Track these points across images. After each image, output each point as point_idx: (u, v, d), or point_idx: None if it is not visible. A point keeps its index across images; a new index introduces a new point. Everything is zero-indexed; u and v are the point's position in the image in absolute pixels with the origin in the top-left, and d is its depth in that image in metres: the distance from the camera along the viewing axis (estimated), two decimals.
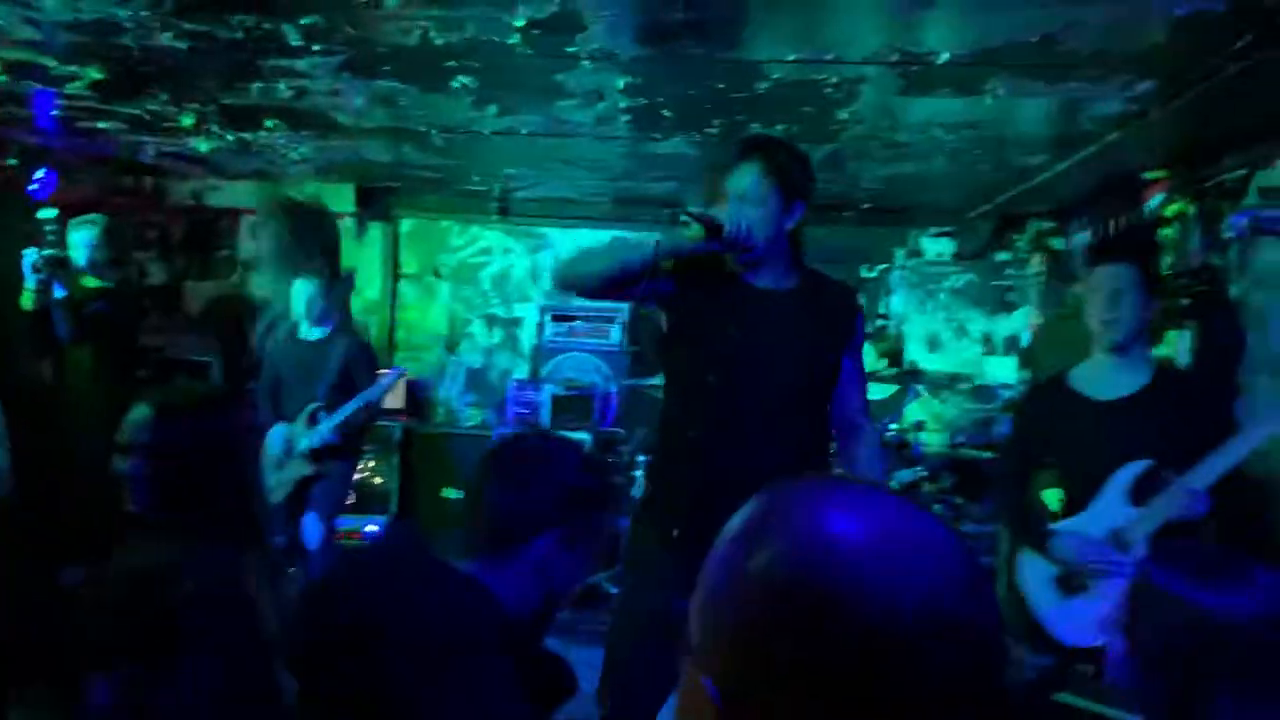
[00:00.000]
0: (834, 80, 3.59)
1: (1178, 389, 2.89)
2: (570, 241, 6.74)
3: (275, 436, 4.42)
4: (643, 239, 2.55)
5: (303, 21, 3.21)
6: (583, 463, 1.74)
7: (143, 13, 3.19)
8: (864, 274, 6.84)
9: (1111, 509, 2.79)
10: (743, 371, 2.51)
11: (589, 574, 1.80)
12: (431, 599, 1.54)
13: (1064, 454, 3.02)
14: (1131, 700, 1.49)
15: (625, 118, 4.27)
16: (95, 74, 3.94)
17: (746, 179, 2.48)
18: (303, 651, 1.55)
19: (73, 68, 3.87)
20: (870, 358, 5.60)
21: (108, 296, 4.82)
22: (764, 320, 2.53)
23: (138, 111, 4.60)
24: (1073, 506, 2.95)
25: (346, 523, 5.27)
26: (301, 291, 4.59)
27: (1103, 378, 2.94)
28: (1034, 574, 2.99)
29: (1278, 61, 3.00)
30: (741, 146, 2.58)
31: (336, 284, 4.57)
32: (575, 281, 2.61)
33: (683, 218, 2.46)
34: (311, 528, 4.37)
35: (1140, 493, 2.75)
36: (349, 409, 4.35)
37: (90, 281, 4.81)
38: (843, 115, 4.06)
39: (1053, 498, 3.55)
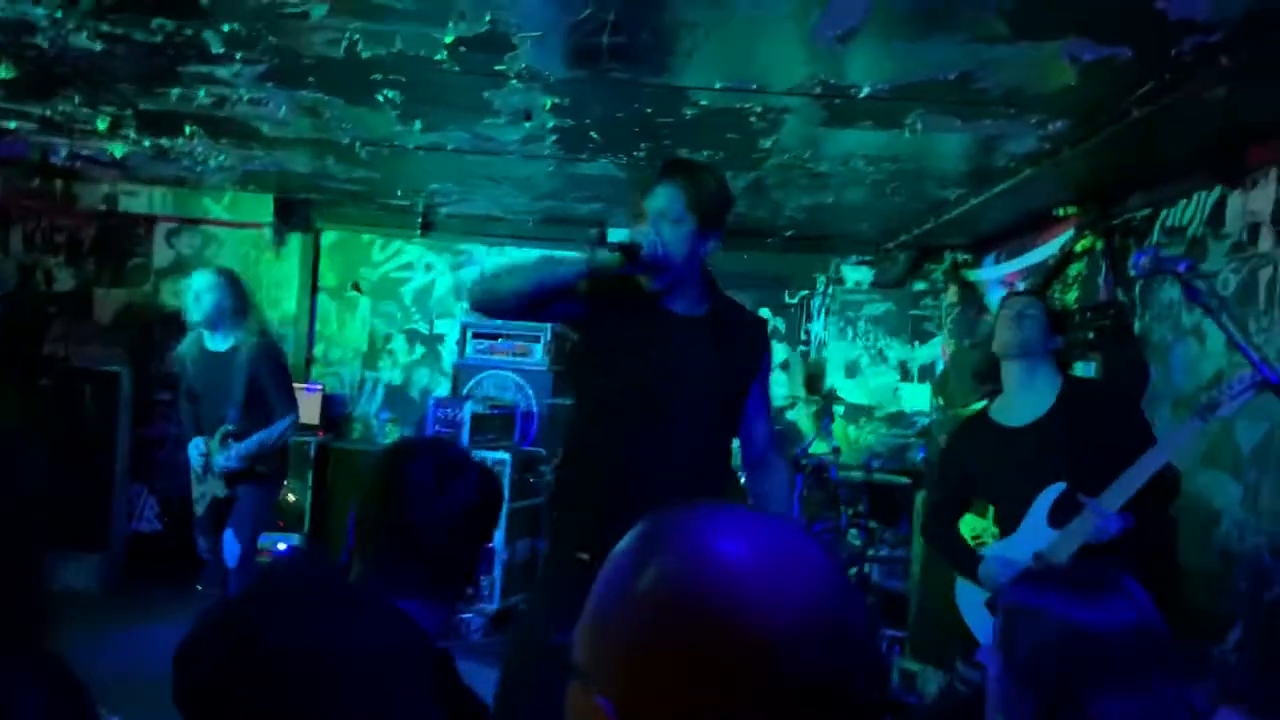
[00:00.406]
0: (759, 109, 3.65)
1: (1085, 404, 2.95)
2: (494, 259, 6.71)
3: (193, 449, 4.32)
4: (563, 258, 2.55)
5: (225, 28, 3.16)
6: (478, 477, 1.67)
7: (58, 13, 3.11)
8: (786, 300, 6.94)
9: (1034, 533, 2.86)
10: (654, 396, 2.51)
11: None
12: (355, 628, 1.48)
13: (987, 483, 3.12)
14: (1004, 713, 1.53)
15: (552, 138, 4.28)
16: (5, 72, 3.82)
17: (665, 199, 2.46)
18: (198, 685, 1.48)
19: None
20: (795, 382, 5.68)
21: (4, 302, 4.65)
22: (677, 345, 2.53)
23: (49, 112, 4.47)
24: (1006, 530, 3.01)
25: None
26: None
27: (1013, 404, 3.04)
28: (968, 599, 3.06)
29: (1179, 107, 3.14)
30: (663, 167, 2.57)
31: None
32: (491, 299, 2.56)
33: (589, 249, 2.46)
34: (229, 546, 4.29)
35: (1059, 515, 2.82)
36: (250, 443, 4.25)
37: None
38: (766, 144, 4.13)
39: (966, 527, 3.64)
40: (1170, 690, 1.45)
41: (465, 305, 6.64)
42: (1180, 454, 2.75)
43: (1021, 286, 5.55)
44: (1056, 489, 2.84)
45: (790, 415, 5.72)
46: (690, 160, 2.74)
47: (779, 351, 6.87)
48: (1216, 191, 3.86)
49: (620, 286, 2.54)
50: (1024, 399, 3.01)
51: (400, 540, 1.57)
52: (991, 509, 3.85)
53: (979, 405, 3.29)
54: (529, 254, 6.51)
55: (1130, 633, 1.45)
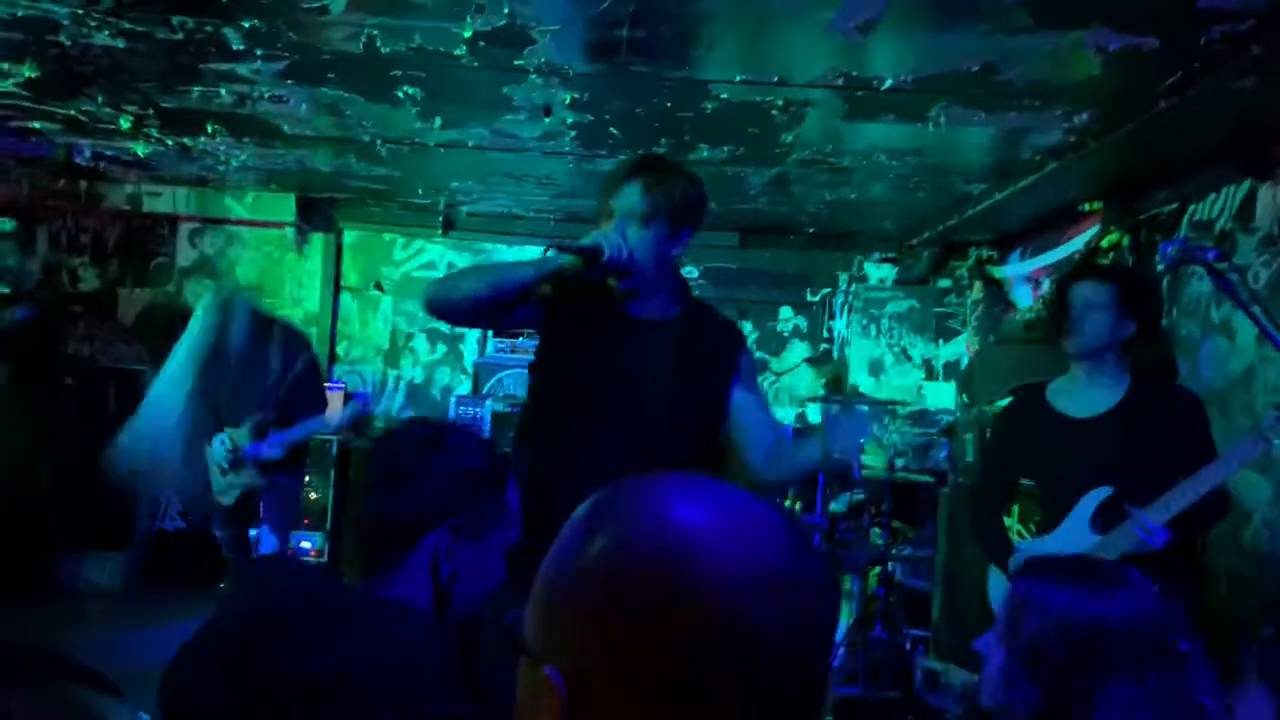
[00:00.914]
0: (780, 103, 3.62)
1: (1154, 405, 2.81)
2: (515, 257, 6.70)
3: (216, 442, 4.33)
4: (522, 260, 2.43)
5: (244, 25, 3.16)
6: (463, 444, 1.58)
7: (80, 10, 3.12)
8: (809, 297, 6.90)
9: (1075, 534, 2.75)
10: (615, 405, 2.38)
11: (503, 560, 1.63)
12: (360, 640, 1.40)
13: (1040, 470, 2.96)
14: (1005, 710, 1.52)
15: (572, 134, 4.27)
16: (29, 72, 3.84)
17: (632, 199, 2.32)
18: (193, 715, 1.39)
19: (5, 65, 3.78)
20: (811, 381, 5.65)
21: (30, 302, 4.69)
22: (638, 350, 2.40)
23: (73, 112, 4.50)
24: (1047, 523, 2.92)
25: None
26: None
27: (1077, 393, 2.88)
28: (999, 592, 2.98)
29: (1207, 98, 3.09)
30: (630, 165, 2.43)
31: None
32: (445, 303, 2.40)
33: (549, 253, 2.29)
34: (267, 540, 4.33)
35: (1103, 520, 2.73)
36: (299, 432, 4.28)
37: (2, 289, 4.67)
38: (788, 138, 4.10)
39: (1013, 522, 3.57)
40: (1175, 681, 1.43)
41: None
42: (1235, 471, 2.64)
43: (1047, 283, 5.49)
44: (1103, 492, 2.71)
45: (810, 415, 5.68)
46: (661, 158, 2.57)
47: (800, 349, 6.84)
48: (1245, 185, 3.80)
49: (584, 290, 2.41)
50: (1088, 390, 2.86)
51: (399, 527, 1.52)
52: (1016, 508, 3.79)
53: (1034, 383, 3.12)
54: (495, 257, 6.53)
55: (1136, 623, 1.45)
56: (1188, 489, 2.55)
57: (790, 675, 0.72)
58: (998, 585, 3.00)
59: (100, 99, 4.24)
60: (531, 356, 2.56)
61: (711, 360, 2.46)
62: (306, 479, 5.83)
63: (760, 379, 6.82)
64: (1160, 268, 3.96)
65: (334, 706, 1.34)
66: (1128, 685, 1.42)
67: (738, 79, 3.38)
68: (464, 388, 6.64)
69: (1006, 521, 3.73)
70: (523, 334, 6.02)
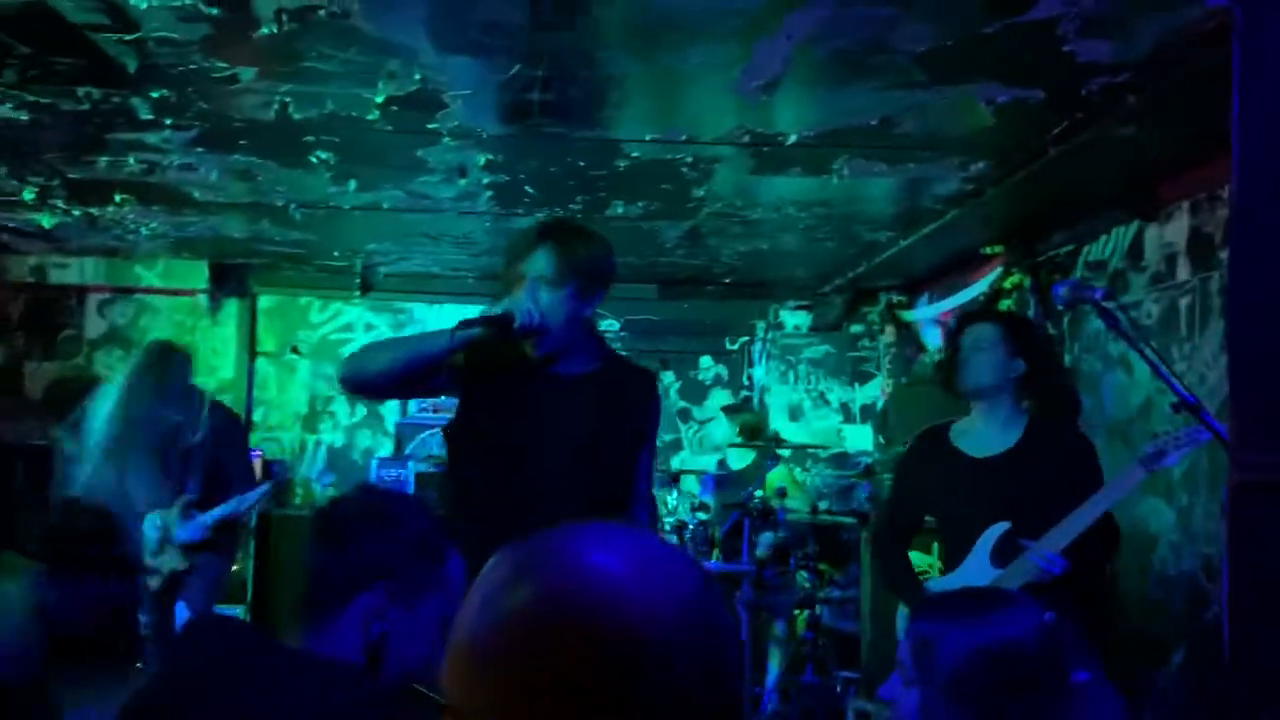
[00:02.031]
0: (689, 159, 3.72)
1: (1048, 445, 2.92)
2: (435, 317, 6.70)
3: (149, 524, 4.18)
4: (434, 331, 2.42)
5: (153, 95, 3.15)
6: (408, 511, 1.60)
7: None
8: (727, 346, 7.01)
9: (977, 569, 2.84)
10: (532, 461, 2.40)
11: (441, 634, 1.64)
12: (300, 695, 1.41)
13: (941, 508, 3.06)
14: None
15: (488, 193, 4.31)
16: None
17: (542, 263, 2.35)
18: None
19: None
20: (728, 430, 5.71)
21: None
22: (558, 408, 2.43)
23: None
24: (951, 558, 3.00)
25: None
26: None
27: (976, 433, 2.98)
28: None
29: (1093, 145, 3.27)
30: (538, 231, 2.45)
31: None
32: (358, 379, 2.41)
33: (457, 334, 2.29)
34: (182, 617, 4.18)
35: (1002, 554, 2.83)
36: (222, 511, 4.15)
37: None
38: (700, 193, 4.20)
39: (920, 559, 3.64)
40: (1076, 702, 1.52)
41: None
42: (1121, 499, 2.78)
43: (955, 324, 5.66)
44: (1000, 528, 2.82)
45: (732, 461, 5.74)
46: (568, 221, 2.63)
47: (721, 397, 6.92)
48: (1134, 226, 3.99)
49: (500, 353, 2.43)
50: (985, 430, 2.96)
51: (334, 582, 1.52)
52: (936, 544, 3.88)
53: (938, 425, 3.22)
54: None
55: (1043, 638, 1.53)
56: (1077, 518, 2.68)
57: (711, 706, 0.74)
58: (904, 622, 3.07)
59: (3, 171, 4.16)
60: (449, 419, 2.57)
61: (631, 412, 2.52)
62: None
63: (682, 427, 6.89)
64: (1058, 307, 4.13)
65: None
66: (1057, 698, 1.49)
67: (648, 138, 3.47)
68: (386, 449, 6.57)
69: (925, 559, 3.82)
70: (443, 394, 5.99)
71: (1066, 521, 2.69)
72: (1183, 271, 3.70)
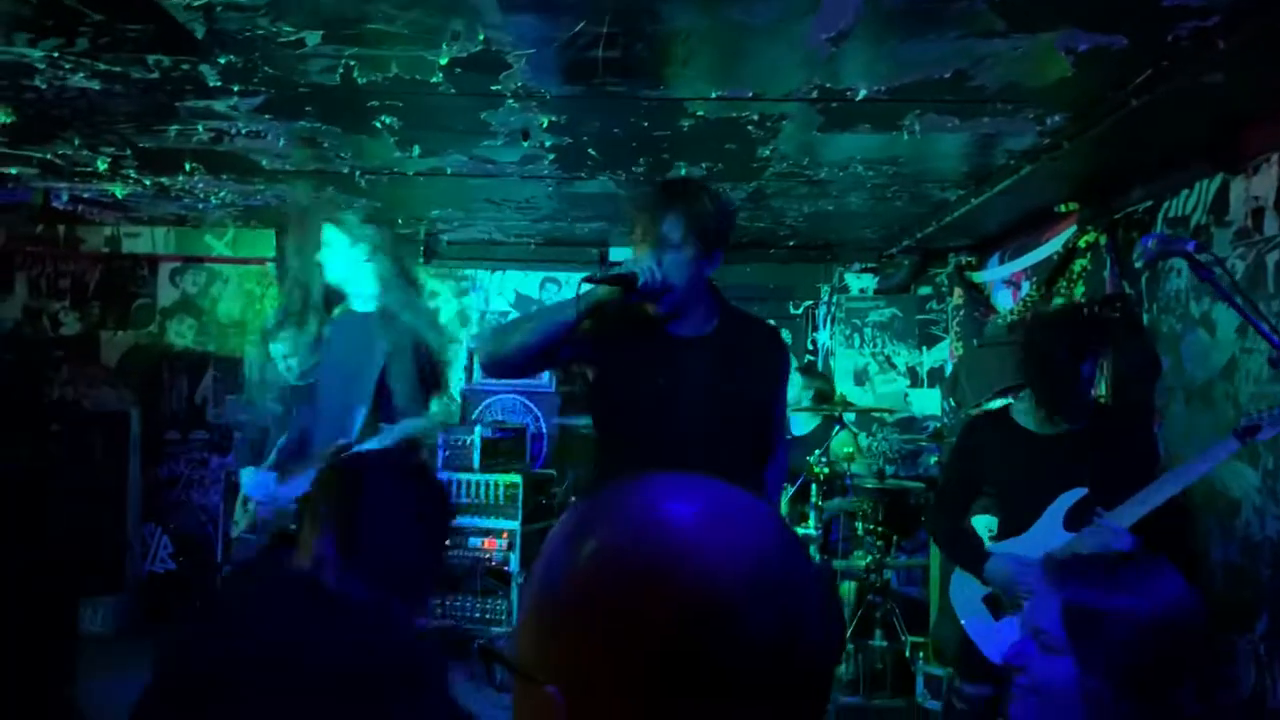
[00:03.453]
0: (755, 117, 3.65)
1: (1112, 427, 2.99)
2: (497, 284, 6.72)
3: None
4: (559, 302, 2.51)
5: (220, 61, 3.17)
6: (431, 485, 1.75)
7: (55, 53, 3.12)
8: (791, 310, 6.93)
9: (1048, 533, 2.86)
10: (669, 423, 2.47)
11: None
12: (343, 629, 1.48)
13: (1003, 482, 3.11)
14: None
15: (550, 157, 4.29)
16: (4, 117, 3.84)
17: (666, 225, 2.42)
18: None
19: None
20: (796, 390, 5.65)
21: (13, 348, 4.64)
22: (686, 369, 2.49)
23: (49, 156, 4.49)
24: (1008, 531, 3.00)
25: None
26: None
27: (1044, 416, 3.04)
28: (964, 595, 3.03)
29: (1177, 95, 3.13)
30: (662, 191, 2.52)
31: None
32: (498, 361, 2.51)
33: (584, 288, 2.37)
34: None
35: (1075, 519, 2.82)
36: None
37: None
38: (765, 152, 4.13)
39: (981, 525, 3.61)
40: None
41: (472, 331, 6.63)
42: (1209, 470, 2.75)
43: (1027, 285, 5.54)
44: (1077, 493, 2.85)
45: (796, 426, 5.68)
46: (688, 181, 2.68)
47: None
48: (1218, 179, 3.84)
49: (624, 316, 2.50)
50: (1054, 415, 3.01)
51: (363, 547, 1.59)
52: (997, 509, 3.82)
53: (999, 403, 3.28)
54: (531, 276, 6.54)
55: (1199, 611, 1.49)
56: (1155, 492, 2.65)
57: (788, 666, 0.71)
58: (962, 587, 3.05)
59: (77, 141, 4.23)
60: (537, 380, 2.69)
61: (757, 367, 2.58)
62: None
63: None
64: (1139, 263, 4.00)
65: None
66: (1210, 668, 1.45)
67: (713, 95, 3.41)
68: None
69: (987, 521, 3.78)
70: None
71: (1142, 494, 2.66)
72: (1271, 226, 3.55)
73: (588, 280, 2.37)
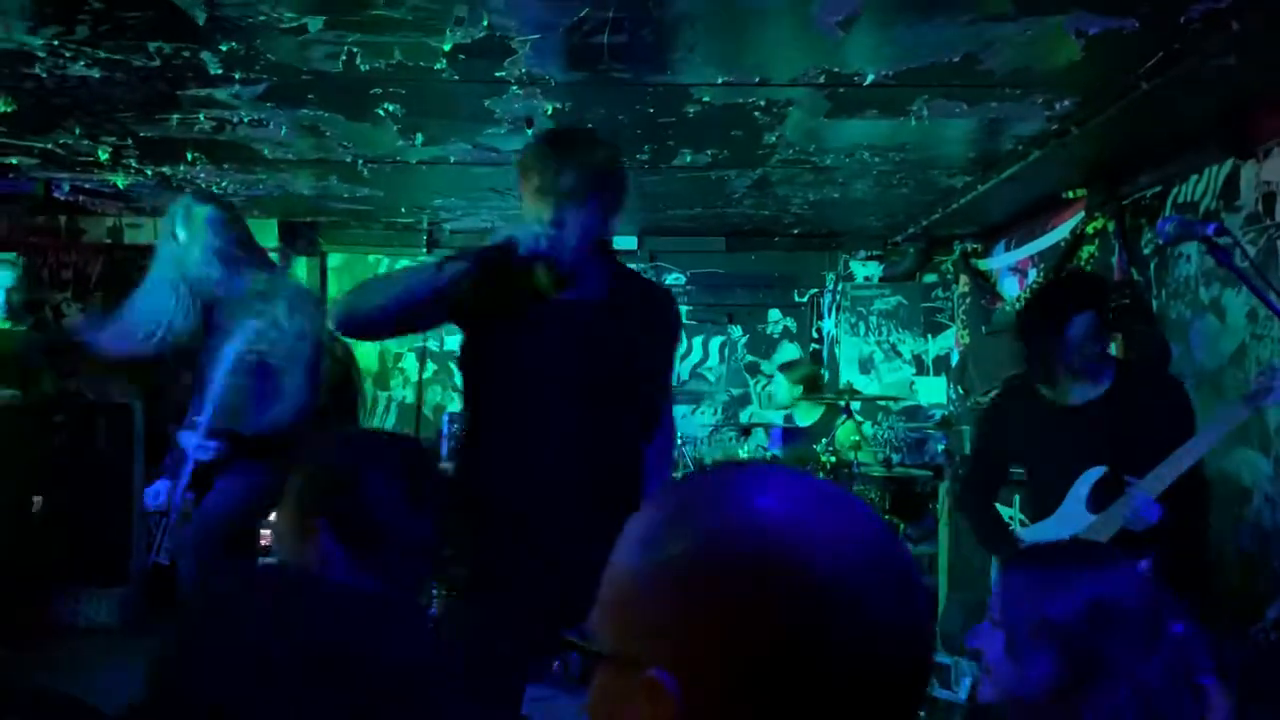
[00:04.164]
0: (761, 103, 3.62)
1: (1140, 390, 2.88)
2: None
3: None
4: (421, 265, 2.29)
5: (222, 48, 3.14)
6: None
7: (55, 41, 3.10)
8: (796, 298, 6.91)
9: (1073, 516, 2.81)
10: (553, 389, 2.28)
11: None
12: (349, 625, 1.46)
13: (1030, 457, 3.03)
14: (1014, 685, 1.54)
15: None
16: (4, 107, 3.80)
17: (565, 179, 2.20)
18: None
19: None
20: (789, 387, 5.61)
21: (22, 339, 4.64)
22: (569, 334, 2.30)
23: (50, 146, 4.46)
24: (1039, 509, 2.96)
25: None
26: None
27: (1065, 383, 2.93)
28: None
29: (1189, 78, 3.10)
30: (560, 142, 2.30)
31: None
32: (354, 321, 2.29)
33: (446, 270, 2.17)
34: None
35: (1099, 499, 2.77)
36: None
37: (3, 324, 4.63)
38: (771, 139, 4.10)
39: (1005, 511, 3.58)
40: (1177, 659, 1.48)
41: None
42: (1222, 438, 2.70)
43: (1034, 273, 5.51)
44: (1097, 472, 2.79)
45: (799, 418, 5.65)
46: (586, 131, 2.46)
47: (789, 351, 6.83)
48: (1228, 164, 3.81)
49: (507, 284, 2.29)
50: (1075, 382, 2.91)
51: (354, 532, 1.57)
52: (1017, 497, 3.79)
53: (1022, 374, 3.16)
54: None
55: (1144, 599, 1.51)
56: (1178, 460, 2.61)
57: (904, 651, 0.70)
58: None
59: (78, 131, 4.20)
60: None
61: (649, 331, 2.41)
62: None
63: (750, 381, 6.82)
64: (1162, 240, 3.99)
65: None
66: (1141, 661, 1.45)
67: (719, 81, 3.37)
68: (455, 405, 6.61)
69: (1008, 510, 3.75)
70: None
71: (1165, 464, 2.62)
72: None
73: (448, 261, 2.18)
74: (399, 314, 2.23)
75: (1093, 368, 2.88)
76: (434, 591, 4.25)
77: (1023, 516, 3.19)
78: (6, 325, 4.69)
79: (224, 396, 3.26)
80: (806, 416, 5.58)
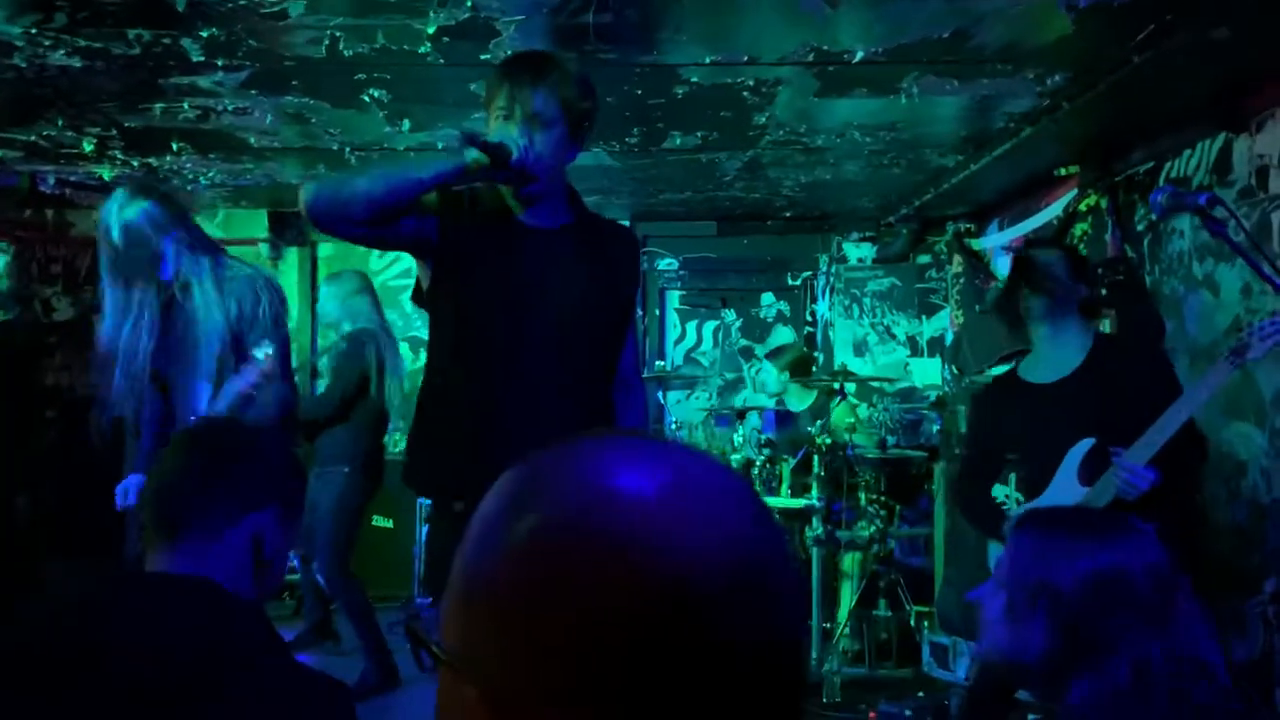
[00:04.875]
0: (750, 83, 3.58)
1: (1114, 359, 2.90)
2: None
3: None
4: (421, 159, 2.22)
5: (203, 34, 3.10)
6: (280, 438, 1.73)
7: (33, 29, 3.06)
8: (789, 282, 6.88)
9: (1065, 491, 2.81)
10: (523, 318, 2.24)
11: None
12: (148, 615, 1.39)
13: (1018, 442, 3.05)
14: (1009, 647, 1.51)
15: None
16: None
17: (539, 100, 2.14)
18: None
19: None
20: (773, 376, 5.58)
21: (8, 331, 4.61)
22: (539, 261, 2.25)
23: (34, 138, 4.42)
24: (1035, 492, 2.96)
25: None
26: None
27: (1042, 362, 2.98)
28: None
29: (1181, 51, 3.07)
30: (532, 63, 2.22)
31: None
32: (335, 204, 2.14)
33: (464, 147, 2.10)
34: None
35: (1090, 471, 2.77)
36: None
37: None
38: (761, 119, 4.06)
39: (999, 492, 3.57)
40: (1184, 634, 1.44)
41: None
42: (1207, 399, 2.68)
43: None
44: (1086, 445, 2.79)
45: (791, 403, 5.62)
46: (554, 54, 2.41)
47: (783, 334, 6.81)
48: (1221, 138, 3.79)
49: (474, 201, 2.26)
50: (1053, 355, 2.96)
51: (168, 513, 1.55)
52: (1013, 475, 3.79)
53: (1003, 369, 3.23)
54: None
55: (1152, 572, 1.45)
56: (1164, 425, 2.60)
57: (766, 663, 0.61)
58: (996, 558, 3.02)
59: (61, 122, 4.16)
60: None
61: (612, 266, 2.38)
62: None
63: (744, 365, 6.80)
64: (1155, 215, 3.96)
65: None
66: (1146, 635, 1.42)
67: (707, 60, 3.34)
68: None
69: (1004, 489, 3.74)
70: None
71: (1152, 430, 2.62)
72: (1276, 184, 3.50)
73: (464, 139, 2.10)
74: (384, 204, 2.12)
75: (1070, 342, 2.92)
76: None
77: (1019, 495, 3.18)
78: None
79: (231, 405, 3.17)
80: (799, 401, 5.56)
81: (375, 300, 4.87)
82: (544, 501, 0.63)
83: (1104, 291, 4.20)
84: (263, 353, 2.86)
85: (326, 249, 6.79)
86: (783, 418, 5.52)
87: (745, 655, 0.60)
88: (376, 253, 6.75)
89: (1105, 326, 4.36)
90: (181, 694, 1.28)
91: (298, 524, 1.67)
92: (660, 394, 6.71)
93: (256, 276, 3.19)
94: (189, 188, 5.58)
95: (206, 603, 1.43)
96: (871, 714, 3.97)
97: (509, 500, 0.65)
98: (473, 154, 2.12)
